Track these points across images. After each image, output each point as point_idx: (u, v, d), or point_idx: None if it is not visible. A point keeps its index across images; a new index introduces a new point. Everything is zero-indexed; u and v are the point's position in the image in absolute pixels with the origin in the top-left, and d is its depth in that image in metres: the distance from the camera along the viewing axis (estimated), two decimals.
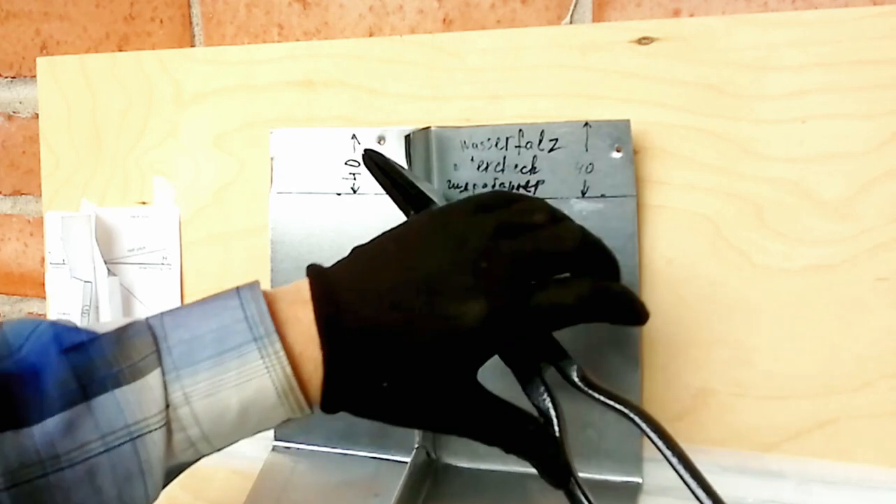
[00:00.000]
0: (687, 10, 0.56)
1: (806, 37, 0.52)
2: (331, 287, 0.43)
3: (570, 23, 0.59)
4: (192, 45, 0.70)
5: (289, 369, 0.41)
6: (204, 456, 0.43)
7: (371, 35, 0.64)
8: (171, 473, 0.43)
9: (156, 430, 0.39)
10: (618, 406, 0.46)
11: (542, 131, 0.54)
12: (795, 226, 0.53)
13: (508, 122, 0.58)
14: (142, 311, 0.71)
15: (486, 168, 0.56)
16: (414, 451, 0.59)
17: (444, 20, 0.62)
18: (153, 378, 0.40)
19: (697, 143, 0.54)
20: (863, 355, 0.52)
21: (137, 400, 0.39)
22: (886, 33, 0.50)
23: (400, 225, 0.47)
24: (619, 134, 0.52)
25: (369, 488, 0.60)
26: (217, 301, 0.43)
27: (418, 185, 0.52)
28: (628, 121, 0.52)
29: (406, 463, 0.59)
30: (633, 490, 0.55)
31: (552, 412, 0.47)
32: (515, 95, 0.58)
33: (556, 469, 0.46)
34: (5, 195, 0.80)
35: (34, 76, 0.75)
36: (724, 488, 0.54)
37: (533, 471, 0.58)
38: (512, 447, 0.45)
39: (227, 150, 0.67)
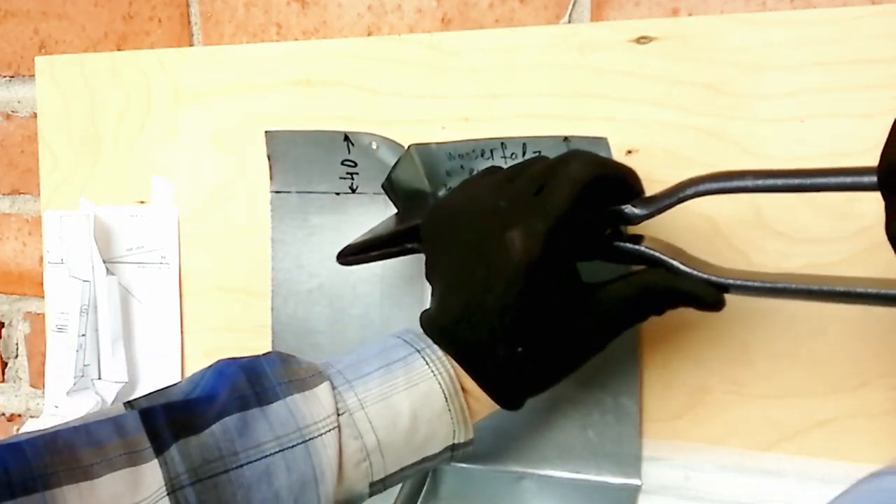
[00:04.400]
0: (685, 9, 0.56)
1: (804, 36, 0.52)
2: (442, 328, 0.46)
3: (569, 22, 0.59)
4: (191, 45, 0.70)
5: (453, 372, 0.44)
6: (372, 493, 0.44)
7: (370, 34, 0.64)
8: None
9: (326, 433, 0.42)
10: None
11: (525, 144, 0.54)
12: (794, 225, 0.53)
13: (506, 122, 0.58)
14: (140, 311, 0.71)
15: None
16: None
17: (443, 19, 0.62)
18: (322, 390, 0.43)
19: (696, 142, 0.54)
20: (861, 354, 0.52)
21: (308, 408, 0.42)
22: (885, 32, 0.50)
23: (427, 242, 0.50)
24: (598, 149, 0.52)
25: None
26: (373, 341, 0.47)
27: (396, 229, 0.54)
28: (605, 138, 0.52)
29: None
30: (633, 492, 0.55)
31: (656, 254, 0.47)
32: (514, 95, 0.58)
33: (703, 292, 0.46)
34: (4, 194, 0.80)
35: (33, 75, 0.75)
36: (723, 487, 0.55)
37: (531, 470, 0.59)
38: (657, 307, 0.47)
39: (225, 149, 0.67)
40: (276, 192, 0.63)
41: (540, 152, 0.53)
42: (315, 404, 0.42)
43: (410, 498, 0.58)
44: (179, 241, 0.70)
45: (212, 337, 0.69)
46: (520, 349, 0.44)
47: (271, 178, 0.63)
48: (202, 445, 0.39)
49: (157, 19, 0.71)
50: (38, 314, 0.79)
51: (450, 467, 0.60)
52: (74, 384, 0.69)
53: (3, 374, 0.83)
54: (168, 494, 0.38)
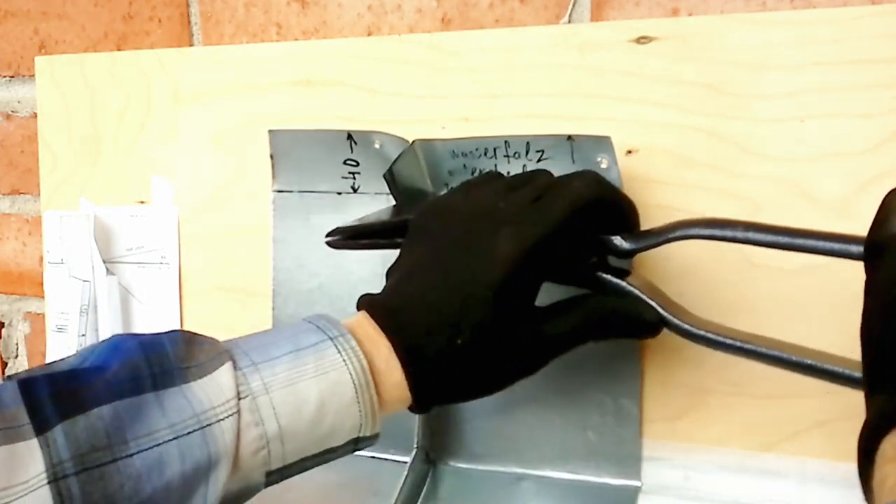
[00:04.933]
0: (685, 9, 0.56)
1: (804, 36, 0.52)
2: (388, 305, 0.45)
3: (569, 22, 0.59)
4: (191, 45, 0.70)
5: (365, 363, 0.42)
6: (269, 483, 0.42)
7: (370, 34, 0.64)
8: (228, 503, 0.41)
9: (225, 418, 0.39)
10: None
11: (528, 143, 0.54)
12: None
13: (506, 122, 0.58)
14: (140, 311, 0.71)
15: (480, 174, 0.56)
16: (413, 451, 0.59)
17: (443, 19, 0.62)
18: (222, 373, 0.40)
19: (696, 142, 0.54)
20: (861, 355, 0.52)
21: (207, 391, 0.39)
22: (885, 32, 0.50)
23: (415, 228, 0.49)
24: (602, 149, 0.52)
25: (368, 488, 0.60)
26: (284, 325, 0.45)
27: (389, 220, 0.54)
28: (609, 137, 0.52)
29: (405, 463, 0.59)
30: (632, 493, 0.55)
31: (635, 292, 0.47)
32: (514, 95, 0.58)
33: (644, 324, 0.47)
34: (4, 194, 0.80)
35: (33, 75, 0.75)
36: (723, 488, 0.54)
37: (531, 471, 0.58)
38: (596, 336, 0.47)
39: (225, 149, 0.67)
40: (279, 191, 0.63)
41: (543, 151, 0.53)
42: (214, 389, 0.39)
43: (410, 498, 0.58)
44: (179, 241, 0.70)
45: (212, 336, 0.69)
46: (459, 342, 0.42)
47: (274, 177, 0.63)
48: (90, 429, 0.36)
49: (157, 19, 0.71)
50: (38, 314, 0.79)
51: (450, 468, 0.60)
52: None
53: (3, 373, 0.83)
54: (49, 483, 0.35)
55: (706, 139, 0.54)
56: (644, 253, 0.55)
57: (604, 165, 0.52)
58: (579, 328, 0.46)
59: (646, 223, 0.55)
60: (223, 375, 0.40)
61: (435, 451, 0.60)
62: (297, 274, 0.63)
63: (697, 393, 0.55)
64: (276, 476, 0.42)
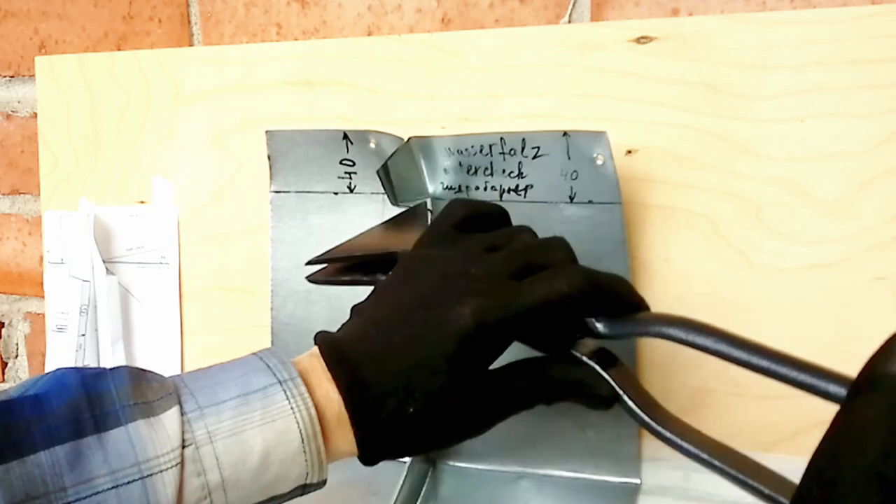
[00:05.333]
0: (685, 9, 0.56)
1: (804, 36, 0.52)
2: (337, 340, 0.43)
3: (569, 22, 0.59)
4: (191, 45, 0.70)
5: (313, 411, 0.40)
6: None
7: (369, 34, 0.64)
8: None
9: (167, 469, 0.37)
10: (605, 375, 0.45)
11: (524, 140, 0.53)
12: (794, 225, 0.53)
13: (506, 121, 0.58)
14: (140, 310, 0.71)
15: (476, 172, 0.56)
16: None
17: (443, 19, 0.62)
18: (169, 417, 0.38)
19: (696, 142, 0.54)
20: (861, 354, 0.52)
21: (151, 438, 0.38)
22: (885, 32, 0.50)
23: (391, 276, 0.47)
24: (598, 144, 0.52)
25: (368, 487, 0.60)
26: (235, 360, 0.43)
27: (372, 253, 0.52)
28: (605, 132, 0.52)
29: (404, 462, 0.59)
30: (632, 491, 0.55)
31: (607, 377, 0.45)
32: (514, 95, 0.58)
33: (597, 399, 0.46)
34: (4, 194, 0.80)
35: (33, 75, 0.75)
36: (724, 488, 0.54)
37: (531, 470, 0.58)
38: (549, 400, 0.46)
39: (225, 149, 0.67)
40: (276, 191, 0.63)
41: (539, 148, 0.53)
42: (160, 433, 0.38)
43: (410, 497, 0.58)
44: (179, 240, 0.70)
45: (211, 336, 0.69)
46: (411, 409, 0.41)
47: (271, 178, 0.63)
48: (26, 476, 0.35)
49: (157, 19, 0.71)
50: (38, 314, 0.79)
51: (449, 467, 0.60)
52: None
53: (3, 373, 0.83)
54: None
55: (706, 139, 0.54)
56: (642, 255, 0.56)
57: (599, 161, 0.52)
58: (531, 394, 0.45)
59: (647, 224, 0.55)
60: (169, 420, 0.38)
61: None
62: (295, 274, 0.63)
63: (697, 393, 0.55)
64: None
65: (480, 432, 0.45)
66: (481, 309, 0.41)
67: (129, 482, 0.36)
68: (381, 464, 0.60)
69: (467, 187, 0.56)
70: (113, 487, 0.36)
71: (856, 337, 0.52)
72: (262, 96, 0.66)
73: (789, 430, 0.53)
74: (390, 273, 0.47)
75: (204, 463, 0.38)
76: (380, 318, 0.44)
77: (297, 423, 0.40)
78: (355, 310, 0.46)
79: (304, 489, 0.42)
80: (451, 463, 0.60)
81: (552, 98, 0.57)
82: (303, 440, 0.40)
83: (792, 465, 0.53)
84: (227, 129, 0.67)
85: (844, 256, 0.52)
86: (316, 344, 0.44)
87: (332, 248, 0.54)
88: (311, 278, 0.53)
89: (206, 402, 0.39)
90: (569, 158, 0.52)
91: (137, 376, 0.40)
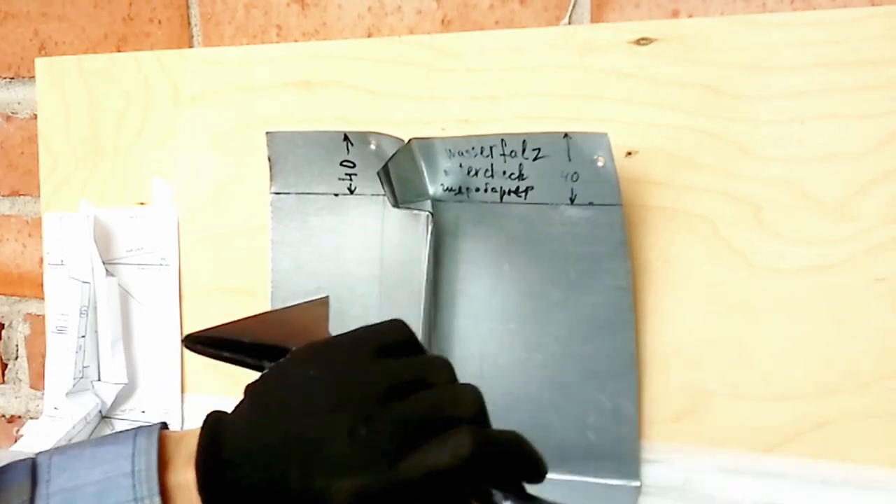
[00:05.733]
0: (685, 10, 0.56)
1: (804, 37, 0.52)
2: (218, 448, 0.40)
3: (569, 23, 0.59)
4: (191, 46, 0.70)
5: None
6: None
7: (369, 36, 0.64)
8: None
9: None
10: None
11: (524, 141, 0.53)
12: (793, 226, 0.53)
13: (506, 123, 0.58)
14: (140, 312, 0.71)
15: (476, 174, 0.56)
16: None
17: (443, 21, 0.62)
18: None
19: (696, 143, 0.54)
20: (861, 356, 0.52)
21: None
22: (884, 34, 0.50)
23: (289, 361, 0.44)
24: (599, 146, 0.52)
25: None
26: (112, 445, 0.40)
27: (261, 342, 0.47)
28: (606, 134, 0.52)
29: None
30: (632, 493, 0.55)
31: None
32: (514, 96, 0.58)
33: None
34: (4, 196, 0.80)
35: (33, 77, 0.75)
36: (724, 490, 0.54)
37: None
38: None
39: (224, 150, 0.67)
40: (276, 193, 0.63)
41: (539, 150, 0.53)
42: None
43: None
44: (179, 242, 0.70)
45: None
46: None
47: (271, 179, 0.63)
48: None
49: (157, 21, 0.71)
50: (38, 315, 0.79)
51: None
52: (74, 385, 0.69)
53: (3, 375, 0.83)
54: None
55: (706, 140, 0.54)
56: (642, 257, 0.56)
57: (600, 163, 0.52)
58: None
59: (647, 225, 0.55)
60: None
61: None
62: (295, 275, 0.63)
63: (698, 395, 0.55)
64: None
65: None
66: (357, 489, 0.38)
67: None
68: None
69: (468, 189, 0.56)
70: None
71: (855, 338, 0.52)
72: (262, 97, 0.66)
73: (789, 432, 0.53)
74: (283, 364, 0.44)
75: None
76: (265, 436, 0.41)
77: None
78: (248, 391, 0.43)
79: None
80: None
81: (552, 99, 0.57)
82: None
83: (792, 467, 0.53)
84: (227, 131, 0.67)
85: (844, 257, 0.52)
86: (204, 422, 0.42)
87: (220, 325, 0.49)
88: (190, 347, 0.49)
89: None
90: (569, 160, 0.52)
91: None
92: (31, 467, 0.39)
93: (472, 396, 0.41)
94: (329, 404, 0.40)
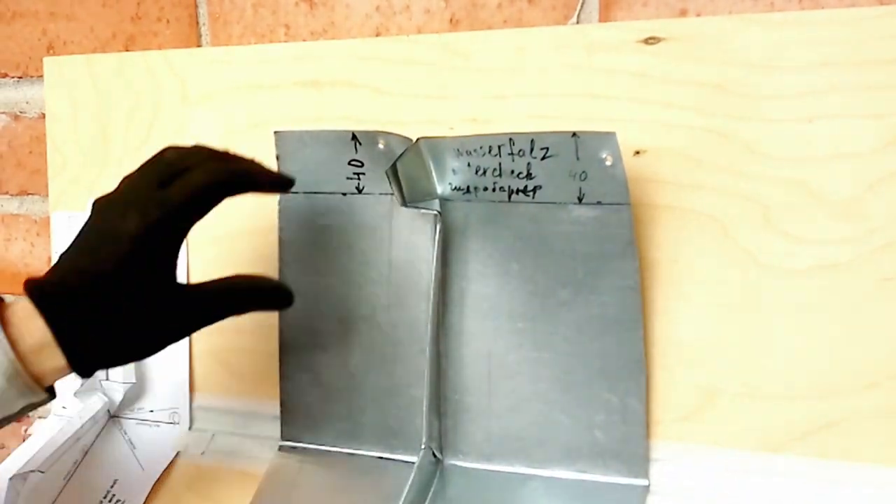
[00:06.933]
0: (693, 9, 0.56)
1: (813, 36, 0.52)
2: (39, 282, 0.49)
3: (577, 23, 0.59)
4: (199, 45, 0.71)
5: (10, 353, 0.46)
6: None
7: (378, 35, 0.64)
8: None
9: None
10: None
11: (532, 141, 0.53)
12: (802, 226, 0.53)
13: (514, 122, 0.58)
14: None
15: (484, 173, 0.56)
16: (421, 451, 0.59)
17: (451, 20, 0.62)
18: None
19: (704, 142, 0.54)
20: (869, 355, 0.52)
21: None
22: (893, 33, 0.50)
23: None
24: (607, 145, 0.52)
25: (375, 488, 0.60)
26: None
27: None
28: (614, 133, 0.51)
29: (412, 463, 0.59)
30: (640, 492, 0.55)
31: None
32: (522, 95, 0.58)
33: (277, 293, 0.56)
34: (12, 195, 0.80)
35: (41, 76, 0.75)
36: (732, 489, 0.54)
37: (539, 471, 0.58)
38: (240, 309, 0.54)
39: (233, 149, 0.67)
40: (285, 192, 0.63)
41: (548, 149, 0.53)
42: None
43: (418, 499, 0.58)
44: (187, 241, 0.70)
45: (219, 337, 0.69)
46: (103, 317, 0.47)
47: None
48: None
49: (166, 20, 0.71)
50: None
51: (457, 469, 0.60)
52: (82, 385, 0.69)
53: None
54: None
55: (714, 140, 0.54)
56: (650, 256, 0.56)
57: (609, 162, 0.52)
58: (216, 296, 0.53)
59: (655, 224, 0.56)
60: None
61: (442, 451, 0.60)
62: (303, 275, 0.63)
63: (706, 394, 0.55)
64: None
65: (176, 335, 0.52)
66: (140, 216, 0.48)
67: None
68: (389, 465, 0.61)
69: (476, 188, 0.56)
70: None
71: (864, 338, 0.52)
72: (271, 97, 0.66)
73: (798, 431, 0.53)
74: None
75: None
76: (68, 251, 0.51)
77: (1, 369, 0.46)
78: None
79: (32, 407, 0.48)
80: (459, 464, 0.60)
81: (560, 99, 0.57)
82: (7, 381, 0.46)
83: (801, 466, 0.53)
84: (236, 130, 0.67)
85: (852, 257, 0.52)
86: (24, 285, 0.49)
87: None
88: None
89: None
90: (578, 159, 0.52)
91: None
92: None
93: (200, 149, 0.55)
94: (111, 203, 0.51)
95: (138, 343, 0.50)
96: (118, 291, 0.48)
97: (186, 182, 0.51)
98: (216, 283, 0.53)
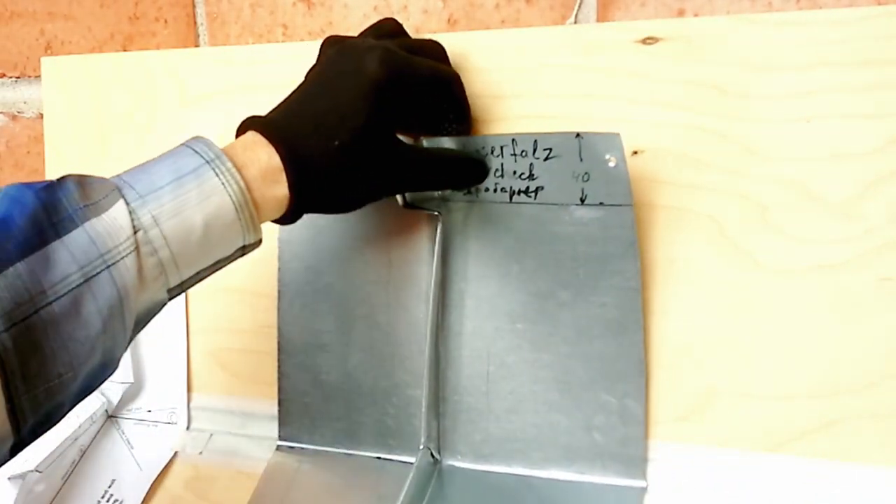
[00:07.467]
0: (691, 9, 0.56)
1: (810, 36, 0.52)
2: (269, 120, 0.50)
3: (575, 23, 0.59)
4: (197, 45, 0.71)
5: (242, 183, 0.45)
6: (172, 296, 0.46)
7: None
8: (142, 320, 0.45)
9: (126, 256, 0.42)
10: None
11: (535, 141, 0.53)
12: (800, 226, 0.53)
13: (512, 122, 0.58)
14: None
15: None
16: (419, 452, 0.59)
17: (449, 20, 0.62)
18: (117, 210, 0.43)
19: (702, 142, 0.54)
20: (868, 355, 0.52)
21: (107, 231, 0.42)
22: (891, 33, 0.50)
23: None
24: (610, 146, 0.52)
25: (373, 489, 0.60)
26: (166, 153, 0.47)
27: None
28: (618, 134, 0.51)
29: (410, 464, 0.59)
30: (639, 493, 0.55)
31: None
32: (520, 95, 0.58)
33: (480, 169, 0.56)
34: None
35: (39, 76, 0.75)
36: (730, 490, 0.54)
37: (537, 472, 0.58)
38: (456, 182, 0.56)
39: None
40: None
41: (551, 149, 0.53)
42: (113, 226, 0.42)
43: (416, 499, 0.58)
44: None
45: (217, 337, 0.69)
46: (336, 143, 0.48)
47: None
48: (10, 287, 0.39)
49: (163, 20, 0.71)
50: None
51: (456, 469, 0.60)
52: None
53: None
54: None
55: (712, 140, 0.54)
56: (649, 256, 0.56)
57: (612, 163, 0.52)
58: (435, 161, 0.55)
59: (653, 225, 0.56)
60: (118, 212, 0.42)
61: (440, 452, 0.60)
62: (302, 275, 0.63)
63: (705, 395, 0.55)
64: (177, 290, 0.46)
65: (394, 187, 0.54)
66: (386, 59, 0.49)
67: (97, 273, 0.41)
68: (387, 466, 0.61)
69: (477, 189, 0.56)
70: (84, 281, 0.41)
71: (862, 338, 0.52)
72: (269, 97, 0.65)
73: (796, 432, 0.53)
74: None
75: (155, 244, 0.43)
76: (298, 92, 0.51)
77: (230, 195, 0.45)
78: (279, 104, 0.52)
79: (243, 250, 0.48)
80: (458, 465, 0.60)
81: (558, 99, 0.57)
82: (237, 210, 0.46)
83: (800, 466, 0.53)
84: (234, 130, 0.67)
85: (851, 257, 0.52)
86: (240, 125, 0.50)
87: None
88: None
89: (146, 191, 0.44)
90: (581, 160, 0.52)
91: (81, 181, 0.44)
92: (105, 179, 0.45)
93: (442, 48, 0.57)
94: (348, 48, 0.52)
95: (358, 189, 0.51)
96: (351, 135, 0.48)
97: (425, 59, 0.53)
98: (433, 150, 0.56)
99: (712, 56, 0.54)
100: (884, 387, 0.52)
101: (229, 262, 0.49)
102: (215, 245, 0.46)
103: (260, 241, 0.49)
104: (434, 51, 0.56)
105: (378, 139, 0.49)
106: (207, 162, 0.45)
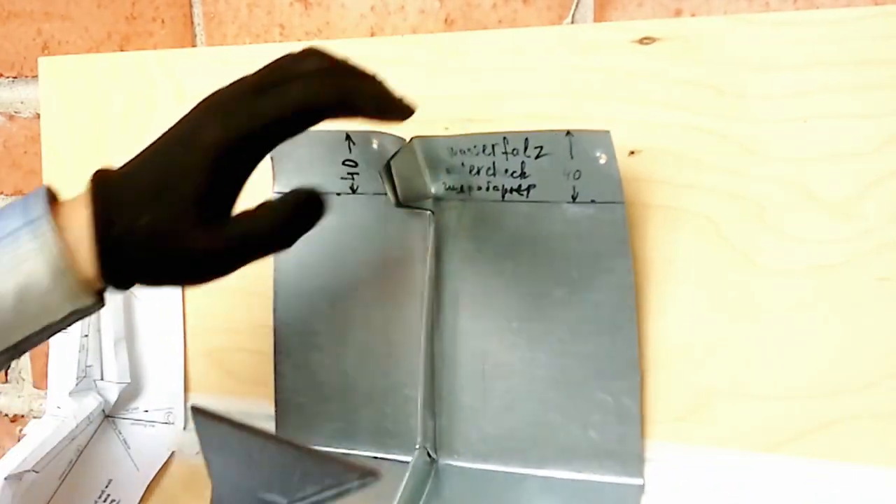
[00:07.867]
0: (688, 9, 0.56)
1: (808, 36, 0.52)
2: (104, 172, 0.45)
3: (572, 23, 0.59)
4: (194, 45, 0.70)
5: (61, 246, 0.42)
6: (11, 357, 0.44)
7: (372, 35, 0.64)
8: None
9: None
10: None
11: (527, 139, 0.53)
12: (797, 226, 0.53)
13: (509, 122, 0.58)
14: (142, 309, 0.71)
15: (478, 172, 0.56)
16: (415, 451, 0.59)
17: (446, 20, 0.62)
18: None
19: (699, 143, 0.54)
20: (866, 356, 0.52)
21: None
22: (888, 33, 0.50)
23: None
24: (601, 143, 0.52)
25: (370, 489, 0.60)
26: (7, 205, 0.45)
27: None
28: (608, 131, 0.51)
29: (407, 463, 0.59)
30: (636, 492, 0.55)
31: None
32: (517, 95, 0.58)
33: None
34: (7, 195, 0.80)
35: (35, 76, 0.75)
36: (727, 489, 0.54)
37: (534, 471, 0.58)
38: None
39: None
40: (279, 192, 0.63)
41: (542, 147, 0.53)
42: None
43: (412, 498, 0.58)
44: None
45: (214, 337, 0.69)
46: (145, 220, 0.42)
47: (274, 178, 0.63)
48: None
49: (160, 20, 0.71)
50: None
51: (452, 468, 0.60)
52: (77, 385, 0.69)
53: (7, 374, 0.83)
54: None
55: (709, 140, 0.54)
56: (646, 256, 0.56)
57: (602, 161, 0.52)
58: (258, 241, 0.48)
59: (649, 224, 0.55)
60: None
61: (437, 451, 0.60)
62: (297, 274, 0.63)
63: (701, 394, 0.55)
64: (7, 355, 0.44)
65: (220, 269, 0.47)
66: (224, 127, 0.43)
67: None
68: (384, 465, 0.61)
69: (469, 187, 0.56)
70: None
71: (860, 338, 0.52)
72: None
73: (794, 432, 0.53)
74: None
75: None
76: (144, 150, 0.45)
77: (46, 262, 0.42)
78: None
79: (81, 313, 0.44)
80: (454, 464, 0.60)
81: (555, 99, 0.57)
82: (53, 277, 0.42)
83: (797, 466, 0.53)
84: None
85: (848, 257, 0.52)
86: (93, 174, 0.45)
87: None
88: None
89: None
90: (572, 158, 0.52)
91: None
92: None
93: (316, 52, 0.47)
94: (201, 107, 0.46)
95: (175, 265, 0.45)
96: (174, 205, 0.43)
97: (283, 95, 0.44)
98: (260, 221, 0.48)
99: (709, 56, 0.54)
100: (883, 387, 0.52)
101: (69, 325, 0.45)
102: (36, 313, 0.43)
103: (101, 304, 0.45)
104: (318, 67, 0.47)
105: (203, 221, 0.44)
106: (29, 223, 0.43)
